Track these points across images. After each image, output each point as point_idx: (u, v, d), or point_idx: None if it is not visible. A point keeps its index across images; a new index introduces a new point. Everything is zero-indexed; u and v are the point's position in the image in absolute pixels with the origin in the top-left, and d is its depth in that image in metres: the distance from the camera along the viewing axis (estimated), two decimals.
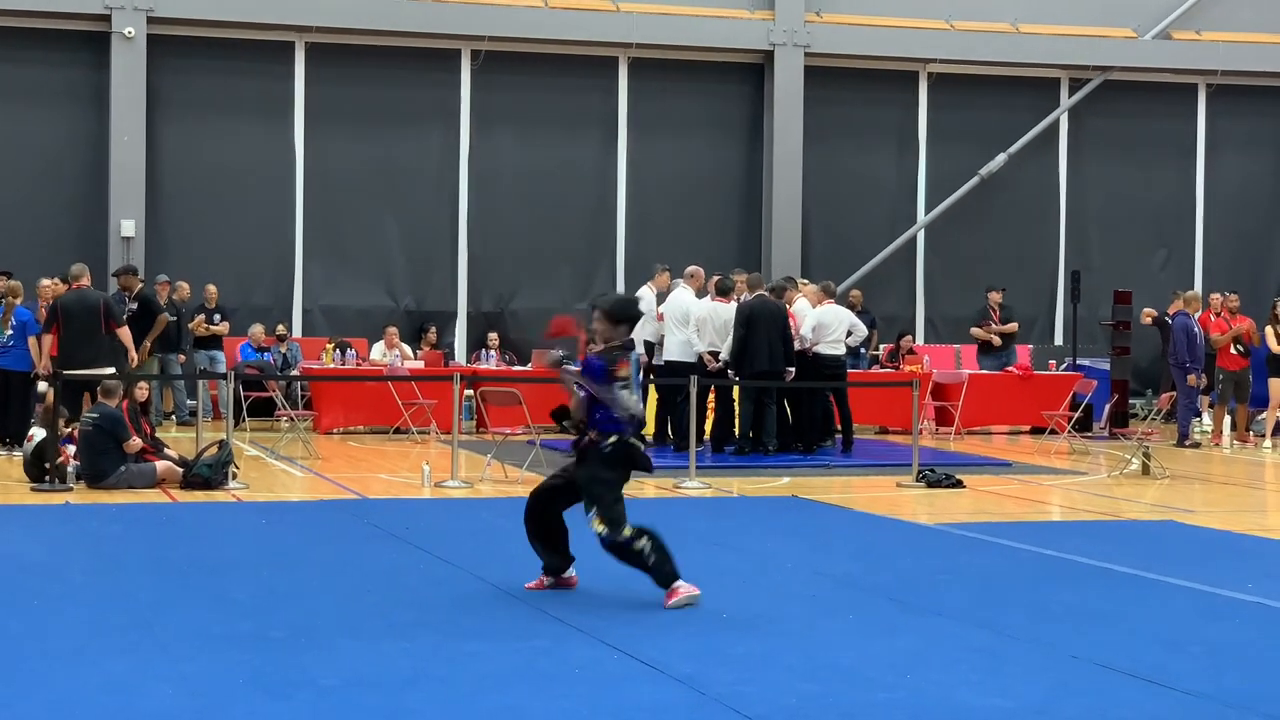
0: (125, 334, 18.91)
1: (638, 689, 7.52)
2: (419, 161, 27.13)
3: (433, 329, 26.02)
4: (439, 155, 27.24)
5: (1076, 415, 22.61)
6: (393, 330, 24.51)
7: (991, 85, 29.37)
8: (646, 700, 7.31)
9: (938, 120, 29.27)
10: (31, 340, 19.03)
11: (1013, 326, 25.75)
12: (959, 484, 17.06)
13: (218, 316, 24.37)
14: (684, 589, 9.65)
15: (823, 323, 20.17)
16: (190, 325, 24.03)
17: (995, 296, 25.75)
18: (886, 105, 29.12)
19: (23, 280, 20.71)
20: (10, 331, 19.05)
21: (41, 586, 9.94)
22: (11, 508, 14.42)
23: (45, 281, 20.96)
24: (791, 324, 19.84)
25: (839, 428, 20.41)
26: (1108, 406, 23.91)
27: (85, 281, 18.94)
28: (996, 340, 25.48)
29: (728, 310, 19.73)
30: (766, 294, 19.82)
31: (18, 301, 19.35)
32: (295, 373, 23.86)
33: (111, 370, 17.77)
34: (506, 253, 27.27)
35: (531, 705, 7.17)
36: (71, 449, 16.18)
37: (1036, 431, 23.57)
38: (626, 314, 10.36)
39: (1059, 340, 29.25)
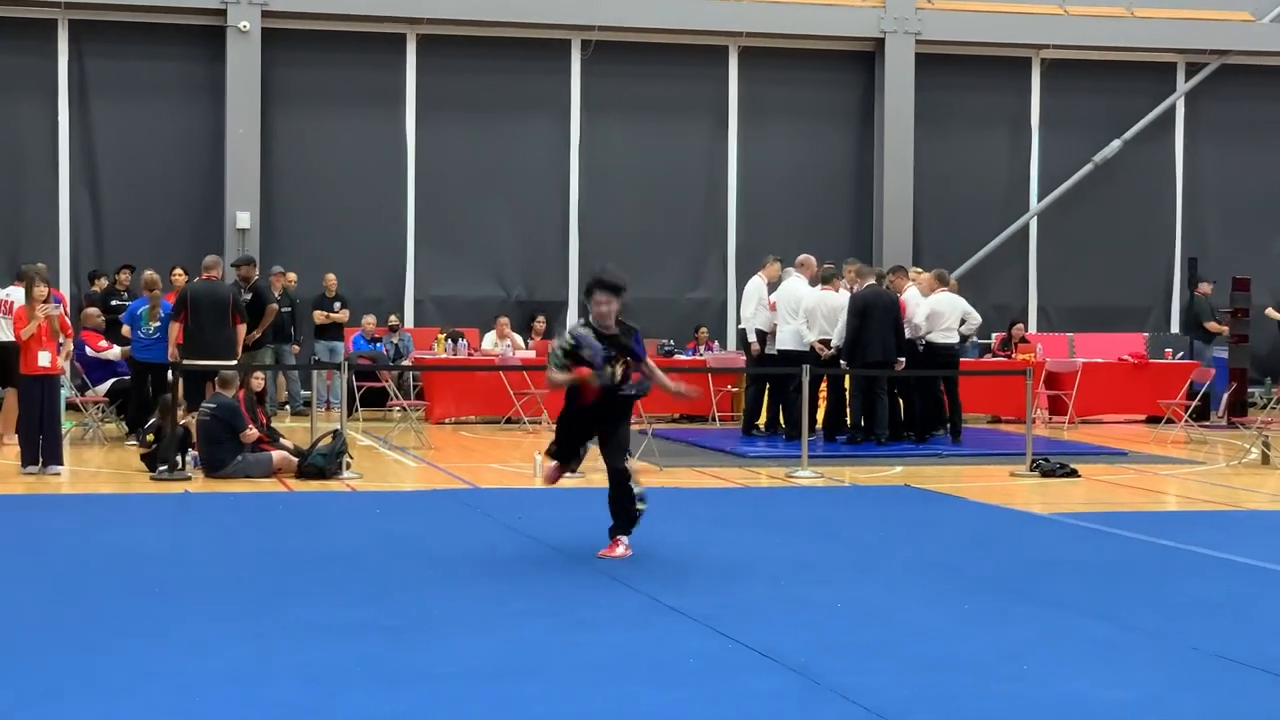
0: (241, 330, 19.09)
1: (751, 679, 7.51)
2: (529, 151, 27.23)
3: (543, 319, 26.11)
4: (549, 145, 27.34)
5: (1194, 404, 22.35)
6: (504, 320, 24.63)
7: (1106, 70, 29.07)
8: (760, 690, 7.30)
9: (1051, 106, 29.01)
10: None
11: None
12: (1074, 473, 16.92)
13: (337, 305, 24.59)
14: (625, 546, 10.87)
15: (936, 311, 20.06)
16: (316, 316, 24.31)
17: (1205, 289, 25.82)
18: (999, 92, 28.90)
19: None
20: (157, 324, 19.21)
21: (163, 575, 10.07)
22: (133, 497, 14.63)
23: (178, 272, 21.22)
24: (903, 313, 19.78)
25: (949, 416, 20.31)
26: (1226, 395, 23.63)
27: (216, 273, 19.13)
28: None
29: (837, 299, 19.67)
30: (878, 283, 19.74)
31: (161, 294, 19.53)
32: (407, 363, 24.03)
33: (232, 361, 17.93)
34: (617, 242, 27.28)
35: (645, 695, 7.17)
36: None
37: (1153, 421, 23.33)
38: (624, 281, 11.47)
39: (1175, 328, 28.91)
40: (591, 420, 11.14)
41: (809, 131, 28.24)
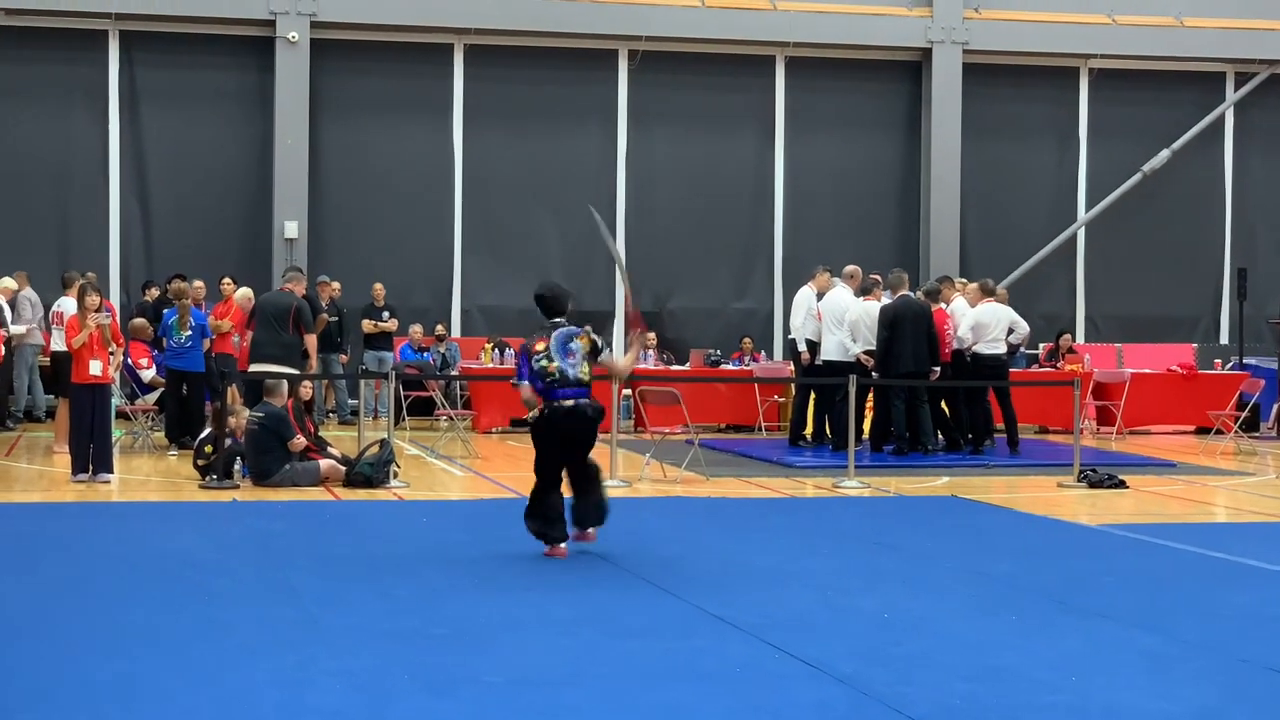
0: (312, 341, 19.10)
1: (798, 688, 7.51)
2: (576, 161, 27.27)
3: (590, 328, 26.05)
4: (596, 155, 27.37)
5: (1243, 415, 22.23)
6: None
7: (1154, 80, 28.94)
8: (807, 700, 7.29)
9: (1099, 116, 28.89)
10: (217, 336, 19.48)
11: None
12: (1122, 484, 16.84)
13: (386, 314, 24.66)
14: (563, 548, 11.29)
15: (981, 322, 19.97)
16: (364, 325, 24.39)
17: None
18: (1046, 102, 28.80)
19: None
20: (189, 333, 19.33)
21: (211, 583, 10.11)
22: (182, 505, 14.69)
23: (227, 281, 21.31)
24: (947, 324, 19.71)
25: (999, 427, 20.23)
26: (1276, 406, 23.49)
27: (291, 285, 19.19)
28: None
29: (879, 309, 19.62)
30: (911, 294, 19.68)
31: (190, 303, 19.63)
32: (454, 372, 24.08)
33: (287, 370, 17.96)
34: (664, 252, 27.32)
35: (692, 704, 7.17)
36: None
37: (1201, 432, 23.21)
38: (540, 307, 11.78)
39: (1225, 339, 28.74)
40: (563, 456, 11.48)
41: (855, 141, 28.20)
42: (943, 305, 20.01)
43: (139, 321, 20.77)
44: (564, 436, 11.33)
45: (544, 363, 11.31)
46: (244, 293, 20.13)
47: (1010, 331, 20.36)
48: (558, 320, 11.57)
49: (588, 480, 11.53)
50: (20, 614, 9.07)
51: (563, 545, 11.29)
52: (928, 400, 19.50)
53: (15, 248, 24.50)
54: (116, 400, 18.96)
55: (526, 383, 11.43)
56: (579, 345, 11.46)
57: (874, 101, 28.30)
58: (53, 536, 12.42)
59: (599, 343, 11.68)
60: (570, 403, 11.25)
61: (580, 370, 11.40)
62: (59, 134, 25.61)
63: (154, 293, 23.32)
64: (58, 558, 11.27)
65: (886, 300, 19.91)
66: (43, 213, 25.41)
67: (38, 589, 9.95)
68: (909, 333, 19.13)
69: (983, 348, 19.94)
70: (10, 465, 17.79)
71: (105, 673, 7.61)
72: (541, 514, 11.32)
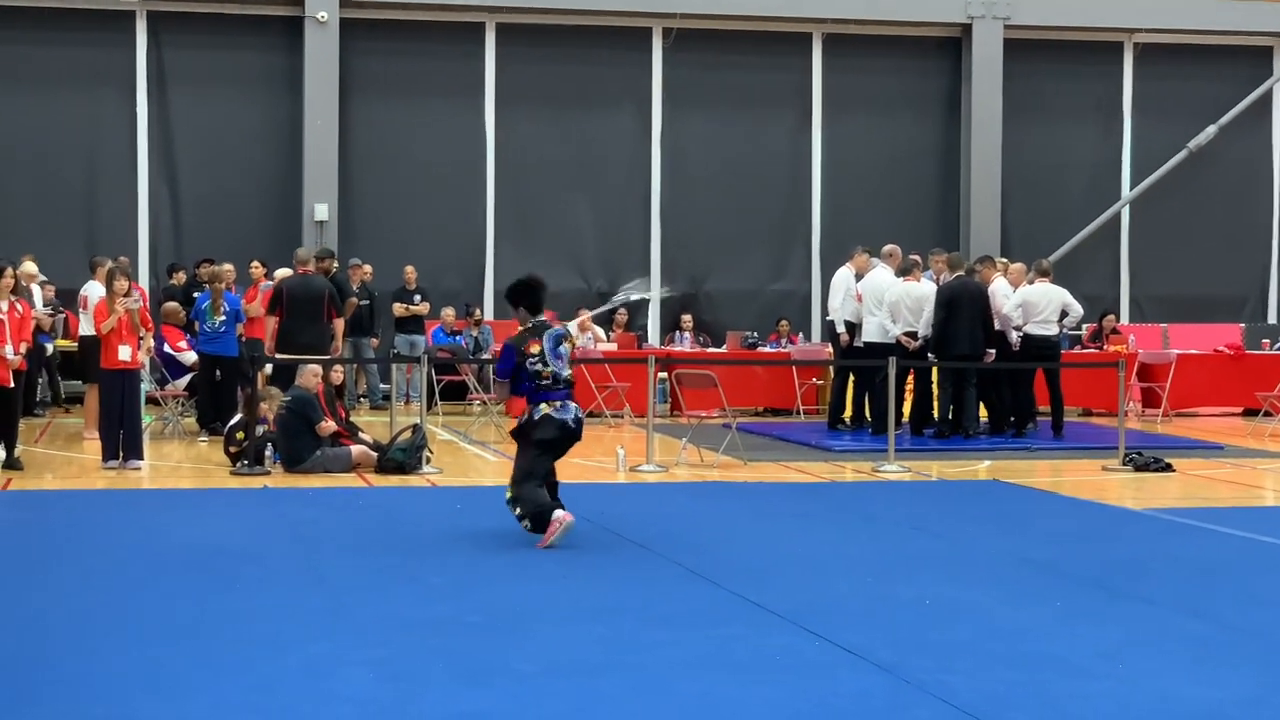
0: (339, 325, 19.24)
1: (838, 677, 7.49)
2: (610, 141, 27.24)
3: (625, 311, 26.12)
4: (630, 135, 27.33)
5: None
6: (586, 312, 24.64)
7: (1200, 55, 28.77)
8: (848, 688, 7.28)
9: (1144, 92, 28.73)
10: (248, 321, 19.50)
11: None
12: (1168, 467, 16.76)
13: (417, 297, 24.68)
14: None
15: (1030, 301, 19.86)
16: (395, 309, 24.42)
17: None
18: (1090, 78, 28.66)
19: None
20: (223, 317, 19.36)
21: (241, 570, 10.14)
22: (213, 491, 14.74)
23: (255, 264, 21.35)
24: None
25: (1042, 410, 20.15)
26: None
27: (310, 267, 19.30)
28: None
29: (919, 289, 19.56)
30: (966, 274, 19.62)
31: (224, 287, 19.66)
32: (487, 356, 24.06)
33: (319, 357, 18.01)
34: (699, 233, 27.28)
35: (728, 693, 7.16)
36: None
37: (1249, 414, 23.09)
38: (512, 297, 12.01)
39: (1272, 318, 28.59)
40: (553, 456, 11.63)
41: (894, 120, 28.10)
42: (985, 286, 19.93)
43: (172, 305, 20.79)
44: (559, 444, 11.47)
45: (539, 366, 11.44)
46: (283, 274, 20.12)
47: (1064, 314, 20.23)
48: (542, 320, 11.78)
49: (554, 484, 11.69)
50: (50, 602, 9.11)
51: (562, 511, 11.25)
52: (974, 383, 19.44)
53: (43, 232, 24.60)
54: (146, 386, 19.00)
55: (507, 381, 11.61)
56: (567, 349, 11.66)
57: (913, 79, 28.20)
58: (83, 524, 12.47)
59: (575, 343, 11.98)
60: (572, 418, 11.41)
61: (568, 371, 11.59)
62: (87, 117, 25.68)
63: (180, 277, 23.38)
64: (87, 545, 11.31)
65: (928, 281, 19.87)
66: (70, 197, 25.48)
67: (67, 577, 9.99)
68: (965, 314, 19.08)
69: (1034, 328, 19.83)
70: (40, 451, 17.86)
71: (135, 661, 7.63)
72: (531, 498, 11.25)
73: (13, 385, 15.83)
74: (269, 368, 18.68)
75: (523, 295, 11.86)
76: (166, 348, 19.95)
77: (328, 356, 18.22)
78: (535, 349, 11.48)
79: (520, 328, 11.77)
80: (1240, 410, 23.93)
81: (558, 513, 11.08)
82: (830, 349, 21.83)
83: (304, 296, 18.93)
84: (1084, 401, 23.88)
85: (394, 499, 14.37)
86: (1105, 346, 24.68)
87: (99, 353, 16.56)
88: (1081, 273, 27.89)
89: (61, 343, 22.73)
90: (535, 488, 11.31)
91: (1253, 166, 29.02)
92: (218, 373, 19.48)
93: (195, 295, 21.12)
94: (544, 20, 26.83)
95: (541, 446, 11.41)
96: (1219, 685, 7.36)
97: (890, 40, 27.96)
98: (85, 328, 19.09)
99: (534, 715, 6.80)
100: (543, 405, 11.39)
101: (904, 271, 19.87)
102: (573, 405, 11.48)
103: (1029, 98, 28.08)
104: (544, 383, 11.41)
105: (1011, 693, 7.19)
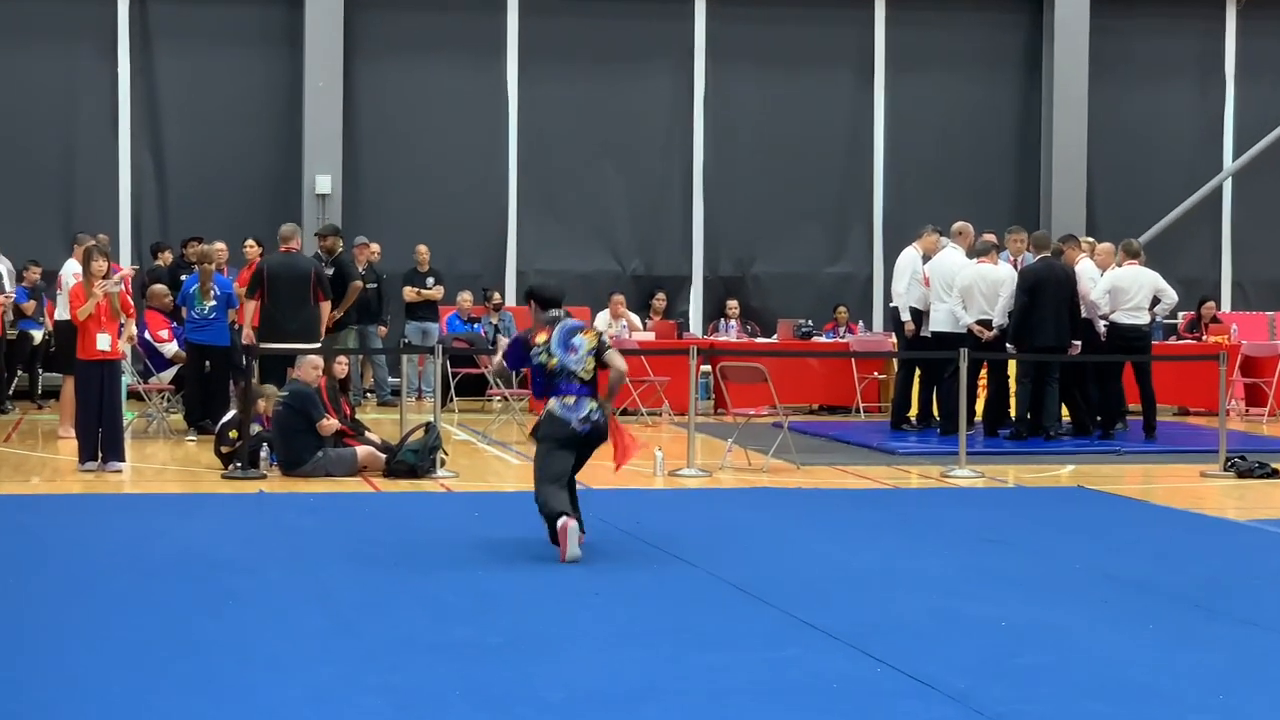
0: (325, 308, 19.19)
1: (903, 707, 7.49)
2: (647, 106, 27.23)
3: (663, 296, 26.12)
4: (670, 98, 27.33)
5: None
6: (619, 298, 24.63)
7: None
8: None
9: (1249, 51, 28.64)
10: (240, 306, 19.41)
11: None
12: (1274, 474, 16.73)
13: (430, 280, 24.72)
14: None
15: (1119, 287, 19.82)
16: (406, 293, 24.46)
17: None
18: (1187, 35, 28.58)
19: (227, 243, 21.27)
20: (213, 303, 19.34)
21: (235, 585, 10.17)
22: (202, 496, 14.79)
23: (250, 243, 21.37)
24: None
25: (1132, 408, 20.11)
26: None
27: (295, 244, 19.27)
28: None
29: (995, 273, 19.52)
30: (1051, 256, 19.57)
31: (214, 268, 19.66)
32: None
33: (315, 344, 18.06)
34: (747, 209, 27.27)
35: None
36: None
37: None
38: (526, 296, 12.31)
39: None
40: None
41: (967, 81, 28.05)
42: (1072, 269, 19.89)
43: (158, 288, 20.72)
44: (568, 445, 11.52)
45: (543, 357, 11.58)
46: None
47: (1156, 301, 20.18)
48: (556, 313, 11.85)
49: (573, 486, 11.77)
50: (23, 619, 9.15)
51: (565, 518, 11.28)
52: (1057, 378, 19.41)
53: (12, 206, 24.71)
54: (128, 378, 19.05)
55: (505, 364, 12.24)
56: (583, 340, 11.71)
57: (988, 35, 28.16)
58: (58, 532, 12.51)
59: (605, 340, 11.91)
60: (579, 419, 11.47)
61: (584, 367, 11.61)
62: (62, 77, 25.74)
63: (167, 256, 23.43)
64: (63, 556, 11.36)
65: (1004, 263, 19.84)
66: (45, 167, 25.58)
67: (42, 592, 10.03)
68: (1051, 300, 19.04)
69: (1122, 316, 19.77)
70: (11, 452, 17.95)
71: (117, 689, 7.67)
72: (543, 502, 11.34)
73: None
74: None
75: (536, 293, 12.08)
76: (148, 335, 19.98)
77: (320, 345, 18.21)
78: (541, 338, 11.64)
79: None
80: None
81: (560, 521, 11.17)
82: (894, 339, 21.82)
83: (288, 277, 18.83)
84: (1179, 399, 23.84)
85: (404, 506, 14.40)
86: (1204, 337, 24.63)
87: (75, 341, 16.57)
88: (1177, 254, 27.81)
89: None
90: (552, 490, 11.39)
91: None
92: (207, 365, 19.51)
93: (183, 278, 21.15)
94: None
95: (550, 445, 11.53)
96: None
97: None
98: (61, 312, 19.15)
99: None
100: (551, 401, 11.53)
101: (978, 252, 19.84)
102: (588, 404, 11.52)
103: (1119, 56, 28.01)
104: (552, 374, 11.54)
105: None
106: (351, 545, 11.92)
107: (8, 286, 21.34)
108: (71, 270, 18.80)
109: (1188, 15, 28.51)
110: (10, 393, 22.52)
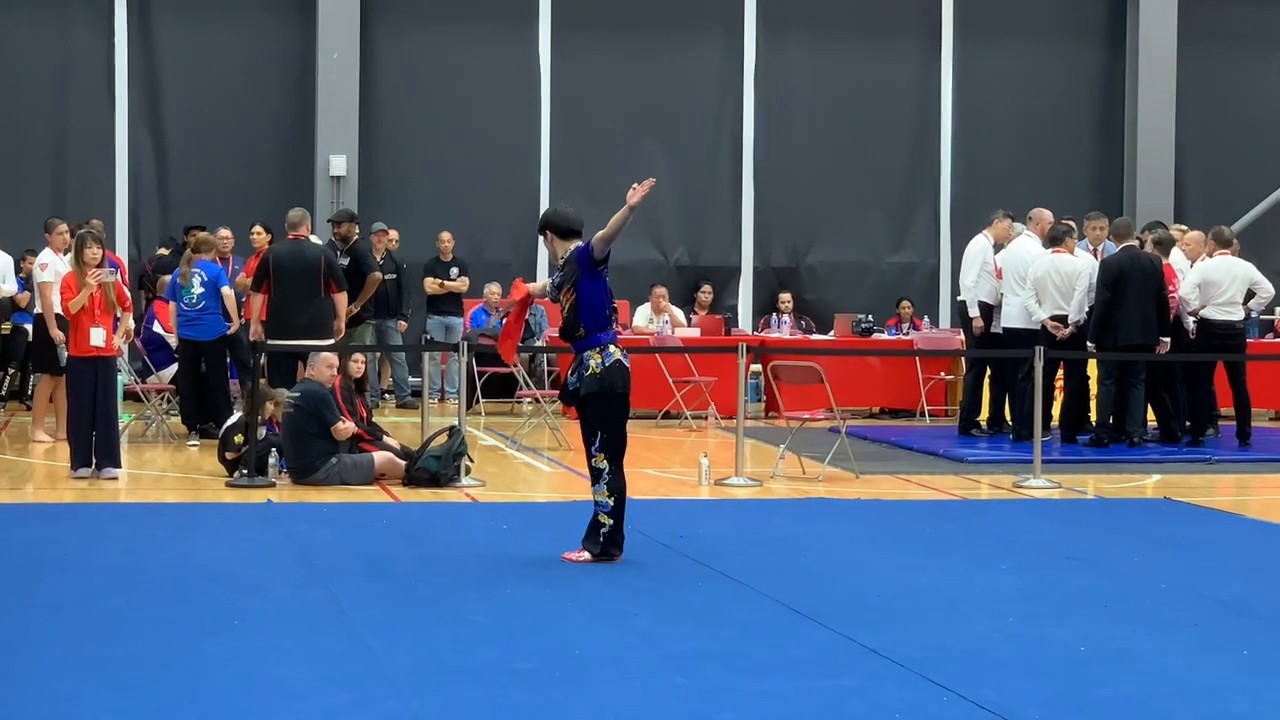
0: (341, 300, 19.14)
1: None
2: (694, 80, 27.25)
3: (709, 288, 26.11)
4: (718, 72, 27.34)
5: None
6: (661, 291, 24.63)
7: None
8: None
9: None
10: (247, 300, 19.35)
11: None
12: None
13: (455, 271, 24.73)
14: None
15: (1210, 280, 19.75)
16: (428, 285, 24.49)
17: None
18: None
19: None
20: (200, 290, 19.31)
21: (242, 603, 10.19)
22: (205, 506, 14.84)
23: (258, 230, 21.39)
24: (1173, 283, 19.56)
25: (1224, 413, 20.07)
26: None
27: (305, 231, 19.24)
28: None
29: (1071, 264, 19.48)
30: (1138, 246, 19.51)
31: (210, 256, 19.66)
32: (540, 344, 24.11)
33: (328, 340, 18.08)
34: (802, 194, 27.28)
35: None
36: None
37: None
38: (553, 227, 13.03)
39: None
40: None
41: (1044, 52, 28.02)
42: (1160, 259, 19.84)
43: (169, 278, 20.77)
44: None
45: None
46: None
47: (1250, 295, 20.10)
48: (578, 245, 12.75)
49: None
50: (9, 642, 9.17)
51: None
52: (1143, 380, 19.37)
53: (3, 188, 24.79)
54: (125, 377, 19.10)
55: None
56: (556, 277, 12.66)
57: (1067, 3, 28.11)
58: (48, 545, 12.54)
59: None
60: (573, 378, 11.91)
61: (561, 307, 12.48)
62: (54, 47, 25.87)
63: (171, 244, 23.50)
64: (54, 571, 11.39)
65: (1082, 253, 19.80)
66: (34, 147, 25.71)
67: (31, 610, 10.05)
68: (1136, 295, 18.97)
69: (1214, 312, 19.70)
70: None
71: (112, 714, 7.69)
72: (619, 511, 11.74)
73: None
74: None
75: (552, 223, 13.02)
76: (157, 326, 19.98)
77: (334, 341, 18.25)
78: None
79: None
80: None
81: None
82: (962, 336, 21.80)
83: (296, 267, 18.80)
84: (1277, 403, 23.77)
85: (426, 517, 14.43)
86: None
87: (49, 336, 16.54)
88: (1274, 243, 27.75)
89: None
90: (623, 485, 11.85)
91: None
92: (202, 363, 19.50)
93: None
94: None
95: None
96: None
97: None
98: (38, 304, 19.15)
99: None
100: (613, 347, 12.06)
101: (1053, 241, 19.80)
102: (585, 356, 11.90)
103: (1212, 26, 27.96)
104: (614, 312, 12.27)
105: None
106: (368, 560, 11.94)
107: (7, 282, 21.51)
108: (40, 262, 18.84)
109: None
110: (2, 393, 22.62)
